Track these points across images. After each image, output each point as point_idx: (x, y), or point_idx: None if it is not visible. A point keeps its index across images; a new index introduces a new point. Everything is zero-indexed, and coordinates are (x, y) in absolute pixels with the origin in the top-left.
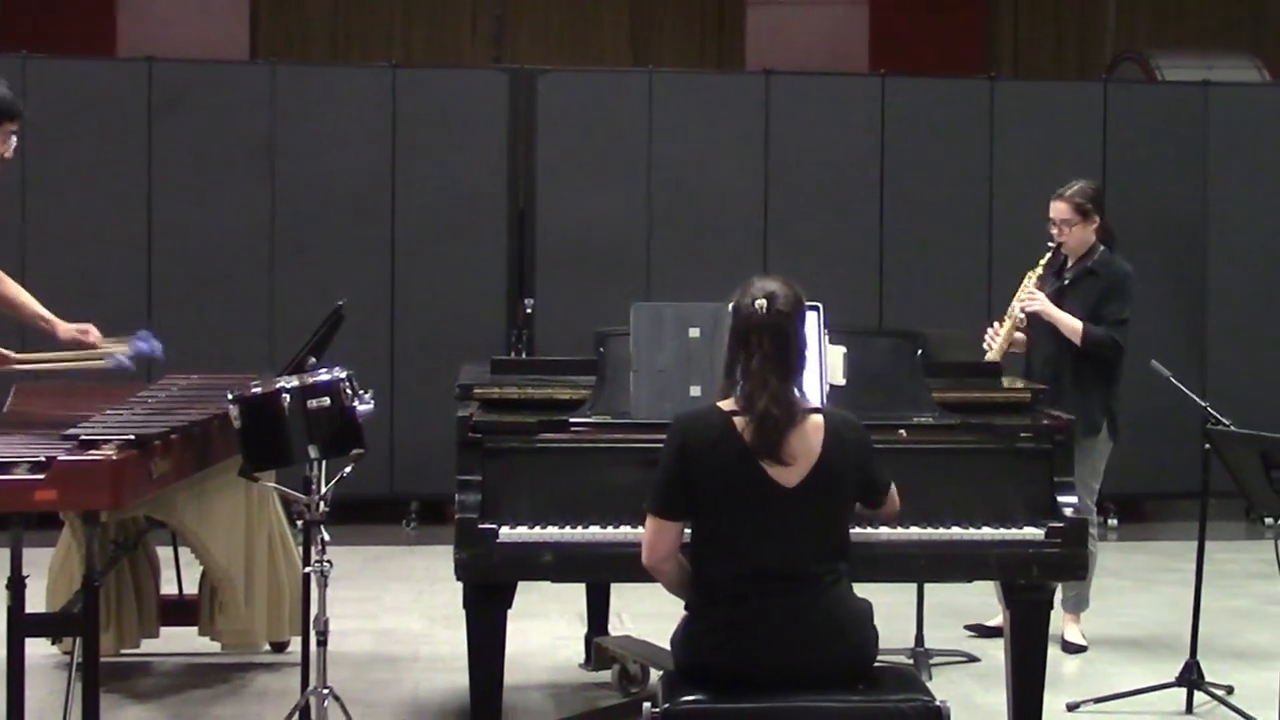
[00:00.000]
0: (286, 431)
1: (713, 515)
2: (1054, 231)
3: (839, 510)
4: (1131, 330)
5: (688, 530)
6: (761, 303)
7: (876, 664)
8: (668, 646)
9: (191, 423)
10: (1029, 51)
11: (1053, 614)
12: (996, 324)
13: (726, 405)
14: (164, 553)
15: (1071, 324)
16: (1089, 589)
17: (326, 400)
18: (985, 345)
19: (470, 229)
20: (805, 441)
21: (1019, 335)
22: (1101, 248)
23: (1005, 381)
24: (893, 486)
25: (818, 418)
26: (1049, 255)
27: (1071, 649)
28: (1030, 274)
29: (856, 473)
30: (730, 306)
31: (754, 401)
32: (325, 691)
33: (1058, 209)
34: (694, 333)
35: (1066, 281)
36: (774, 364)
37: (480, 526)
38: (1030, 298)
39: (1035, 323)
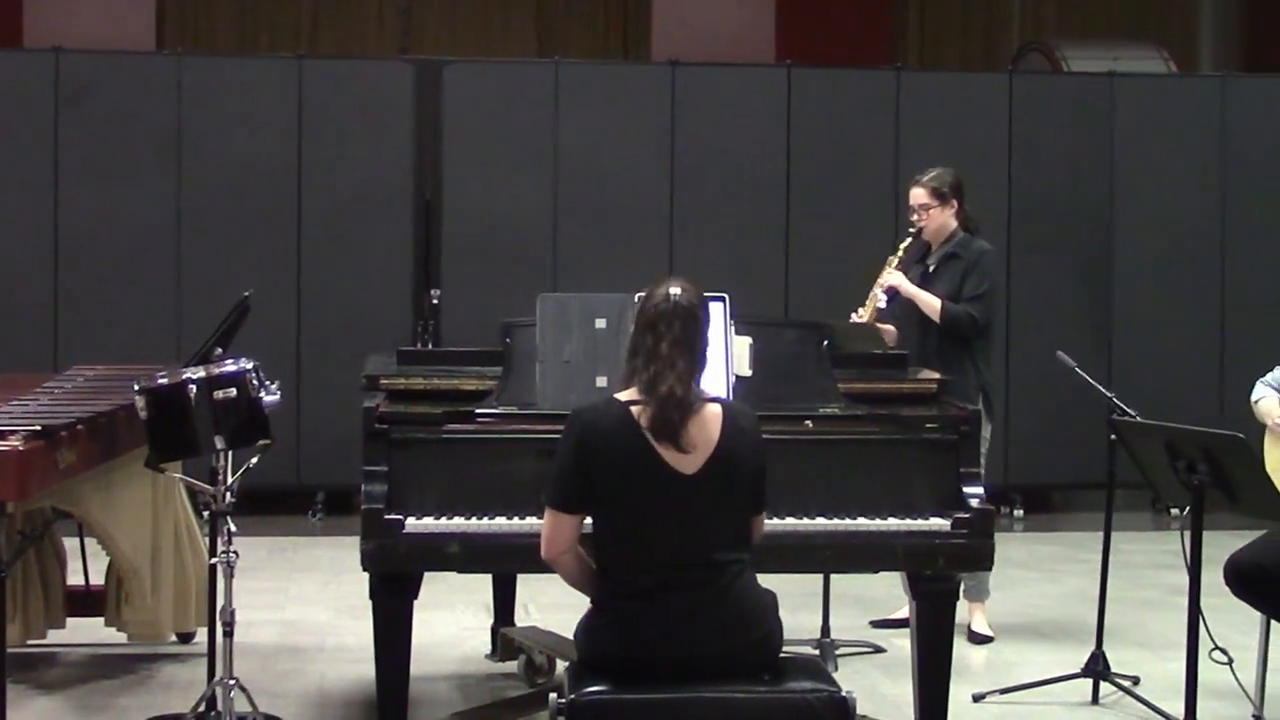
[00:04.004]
0: (193, 422)
1: (614, 507)
2: (913, 217)
3: (739, 497)
4: (1037, 320)
5: (588, 521)
6: (675, 291)
7: (782, 654)
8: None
9: (98, 413)
10: (935, 43)
11: (959, 605)
12: (861, 309)
13: (624, 396)
14: (70, 543)
15: (929, 301)
16: (989, 577)
17: (233, 391)
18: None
19: (377, 219)
20: (703, 429)
21: (888, 329)
22: (962, 233)
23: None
24: (764, 513)
25: (715, 406)
26: (909, 240)
27: (978, 639)
28: (891, 258)
29: (753, 459)
30: (638, 304)
31: (657, 384)
32: (231, 682)
33: (915, 194)
34: (600, 324)
35: (930, 268)
36: (683, 348)
37: (386, 517)
38: (888, 274)
39: (900, 313)
